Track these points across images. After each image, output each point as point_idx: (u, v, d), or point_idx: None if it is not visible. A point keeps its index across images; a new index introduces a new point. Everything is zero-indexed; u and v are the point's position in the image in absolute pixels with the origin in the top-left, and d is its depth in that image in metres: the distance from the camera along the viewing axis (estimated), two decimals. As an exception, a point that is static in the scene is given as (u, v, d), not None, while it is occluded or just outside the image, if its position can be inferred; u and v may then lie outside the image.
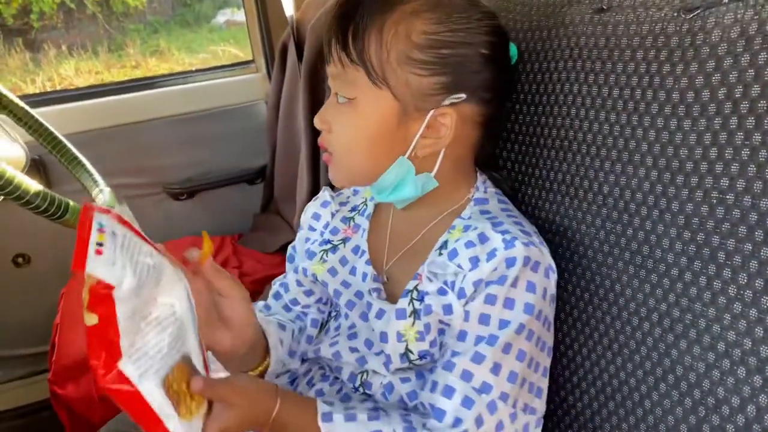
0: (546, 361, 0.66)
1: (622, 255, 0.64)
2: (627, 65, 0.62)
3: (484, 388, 0.61)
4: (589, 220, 0.68)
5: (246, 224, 1.70)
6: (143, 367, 0.50)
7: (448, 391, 0.62)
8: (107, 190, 1.11)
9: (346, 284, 0.76)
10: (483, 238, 0.64)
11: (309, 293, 0.82)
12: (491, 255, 0.62)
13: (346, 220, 0.81)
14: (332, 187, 0.85)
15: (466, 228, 0.67)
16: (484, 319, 0.62)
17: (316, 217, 0.82)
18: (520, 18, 0.77)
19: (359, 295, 0.74)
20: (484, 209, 0.70)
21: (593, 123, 0.67)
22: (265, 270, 1.44)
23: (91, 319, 0.48)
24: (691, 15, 0.56)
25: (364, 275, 0.74)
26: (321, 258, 0.78)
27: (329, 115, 0.68)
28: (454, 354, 0.63)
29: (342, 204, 0.83)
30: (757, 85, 0.51)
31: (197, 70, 1.73)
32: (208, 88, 1.69)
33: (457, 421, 0.60)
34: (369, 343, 0.72)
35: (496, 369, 0.61)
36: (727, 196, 0.54)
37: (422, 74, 0.63)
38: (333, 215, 0.81)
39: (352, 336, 0.74)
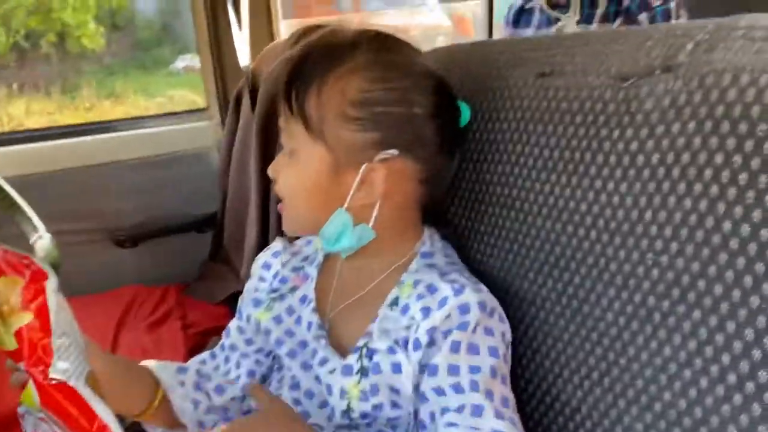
0: None
1: (564, 313, 0.65)
2: (567, 128, 0.65)
3: None
4: (531, 277, 0.69)
5: (193, 273, 1.66)
6: (71, 368, 0.55)
7: None
8: (47, 236, 1.07)
9: (290, 333, 0.74)
10: (432, 289, 0.65)
11: (249, 342, 0.79)
12: (442, 303, 0.63)
13: (296, 269, 0.80)
14: (283, 234, 0.85)
15: (416, 283, 0.68)
16: (453, 370, 0.61)
17: (266, 266, 0.81)
18: (467, 78, 0.79)
19: (303, 344, 0.73)
20: (430, 263, 0.71)
21: (535, 183, 0.68)
22: (210, 321, 1.40)
23: (25, 318, 0.54)
24: (626, 84, 0.59)
25: (309, 324, 0.73)
26: (267, 306, 0.77)
27: (278, 165, 0.71)
28: (444, 412, 0.61)
29: (294, 254, 0.82)
30: (687, 153, 0.53)
31: (150, 116, 1.71)
32: (160, 134, 1.68)
33: None
34: (310, 394, 0.71)
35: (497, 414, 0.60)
36: (662, 259, 0.55)
37: (354, 130, 0.65)
38: (283, 265, 0.80)
39: (294, 387, 0.73)
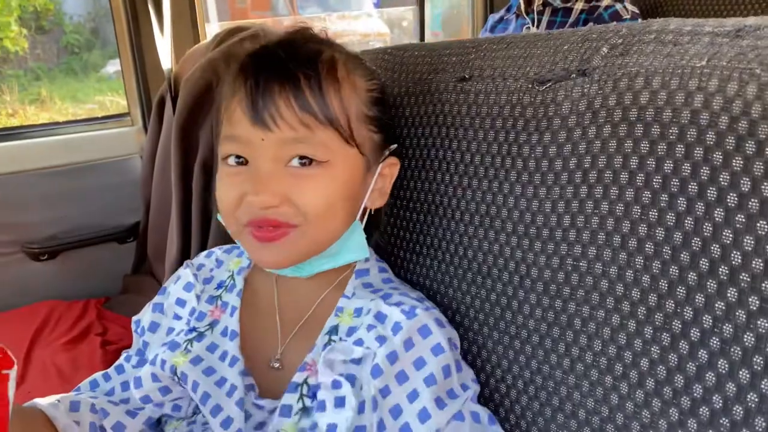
0: None
1: (487, 321, 0.64)
2: (487, 133, 0.64)
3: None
4: (455, 284, 0.68)
5: (115, 286, 1.58)
6: None
7: None
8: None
9: (209, 371, 0.66)
10: (381, 317, 0.62)
11: (165, 390, 0.69)
12: (396, 328, 0.60)
13: (212, 299, 0.73)
14: (204, 249, 0.79)
15: (358, 312, 0.64)
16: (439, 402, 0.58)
17: (181, 303, 0.73)
18: (391, 83, 0.78)
19: (221, 382, 0.65)
20: (366, 282, 0.68)
21: (457, 188, 0.67)
22: (132, 337, 1.33)
23: None
24: (544, 87, 0.58)
25: (234, 360, 0.66)
26: (185, 348, 0.68)
27: (284, 186, 0.60)
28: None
29: (206, 282, 0.75)
30: (603, 156, 0.53)
31: (67, 122, 1.62)
32: (78, 141, 1.59)
33: None
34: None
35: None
36: (581, 264, 0.54)
37: (373, 130, 0.65)
38: (198, 298, 0.72)
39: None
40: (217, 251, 0.78)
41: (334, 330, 0.65)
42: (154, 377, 0.68)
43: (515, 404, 0.62)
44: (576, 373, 0.55)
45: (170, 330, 0.72)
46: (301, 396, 0.62)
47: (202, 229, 1.19)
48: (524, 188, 0.59)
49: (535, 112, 0.59)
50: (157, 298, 0.75)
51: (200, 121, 1.17)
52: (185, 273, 0.75)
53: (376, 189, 0.67)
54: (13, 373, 0.51)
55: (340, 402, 0.60)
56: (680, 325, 0.47)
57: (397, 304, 0.62)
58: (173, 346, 0.69)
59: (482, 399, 0.65)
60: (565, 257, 0.56)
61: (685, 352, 0.47)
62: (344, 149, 0.62)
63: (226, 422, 0.63)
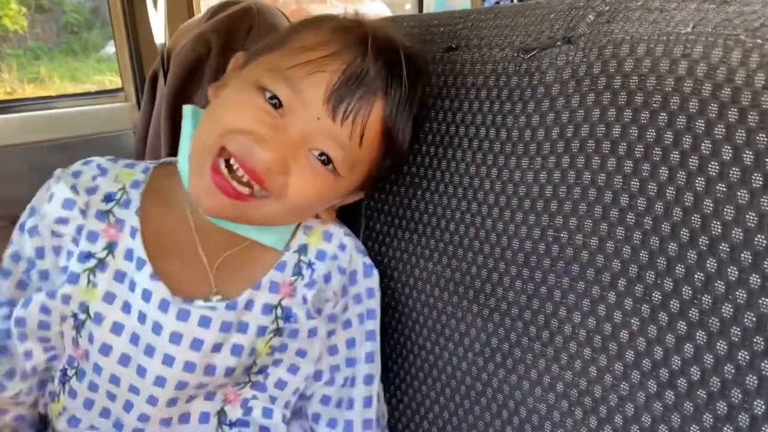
0: None
1: (466, 293, 0.63)
2: (472, 103, 0.62)
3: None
4: (435, 257, 0.67)
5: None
6: None
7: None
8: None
9: (127, 308, 0.60)
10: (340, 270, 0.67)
11: (44, 341, 0.61)
12: (353, 280, 0.68)
13: (102, 215, 0.62)
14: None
15: (327, 236, 0.68)
16: (370, 336, 0.68)
17: (63, 221, 0.61)
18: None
19: (142, 318, 0.60)
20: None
21: (441, 160, 0.66)
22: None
23: None
24: (529, 55, 0.57)
25: (147, 294, 0.59)
26: (88, 281, 0.60)
27: (293, 164, 0.57)
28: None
29: (90, 192, 0.62)
30: (586, 125, 0.52)
31: (59, 96, 1.61)
32: (71, 116, 1.57)
33: None
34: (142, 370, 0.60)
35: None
36: (561, 234, 0.54)
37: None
38: (83, 213, 0.61)
39: (114, 380, 0.60)
40: (97, 158, 0.66)
41: (303, 250, 0.67)
42: (44, 309, 0.60)
43: (493, 378, 0.61)
44: (555, 346, 0.54)
45: (58, 250, 0.61)
46: (276, 318, 0.64)
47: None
48: (507, 159, 0.58)
49: (520, 81, 0.58)
50: (29, 221, 0.62)
51: (190, 94, 1.16)
52: (59, 188, 0.61)
53: (336, 203, 0.67)
54: None
55: (312, 333, 0.66)
56: (660, 297, 0.46)
57: (362, 253, 0.69)
58: (72, 278, 0.60)
59: (459, 373, 0.64)
60: (546, 228, 0.55)
61: (664, 324, 0.46)
62: (363, 174, 0.63)
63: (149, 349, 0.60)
